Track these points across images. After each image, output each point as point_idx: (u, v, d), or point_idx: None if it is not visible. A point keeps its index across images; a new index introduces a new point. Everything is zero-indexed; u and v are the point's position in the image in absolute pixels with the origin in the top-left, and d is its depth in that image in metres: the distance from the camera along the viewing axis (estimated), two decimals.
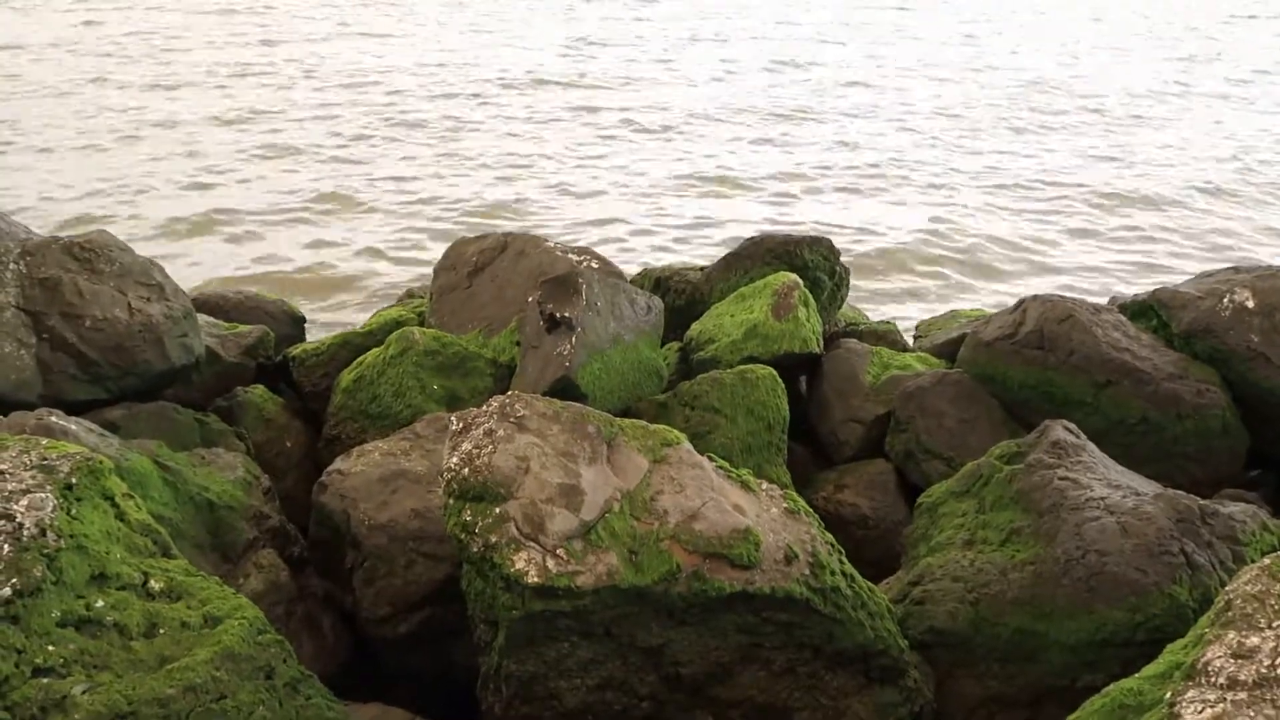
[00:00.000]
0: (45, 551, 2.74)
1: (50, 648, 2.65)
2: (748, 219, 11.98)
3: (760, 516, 3.36)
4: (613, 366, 4.86)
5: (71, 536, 2.82)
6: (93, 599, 2.79)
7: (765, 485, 3.60)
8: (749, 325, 5.33)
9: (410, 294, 7.07)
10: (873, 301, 9.66)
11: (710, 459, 3.54)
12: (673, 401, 4.92)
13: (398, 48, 21.89)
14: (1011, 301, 5.58)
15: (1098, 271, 11.05)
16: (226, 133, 14.97)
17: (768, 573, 3.20)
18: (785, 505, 3.52)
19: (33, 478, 2.89)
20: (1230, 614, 2.57)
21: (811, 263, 5.93)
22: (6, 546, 2.69)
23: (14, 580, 2.64)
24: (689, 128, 16.17)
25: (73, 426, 3.79)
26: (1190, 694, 2.41)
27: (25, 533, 2.73)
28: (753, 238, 6.20)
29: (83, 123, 15.15)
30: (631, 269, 6.77)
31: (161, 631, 2.85)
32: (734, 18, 28.21)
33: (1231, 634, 2.50)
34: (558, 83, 18.90)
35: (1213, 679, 2.41)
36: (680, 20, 26.99)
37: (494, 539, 3.02)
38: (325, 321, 8.70)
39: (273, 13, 25.58)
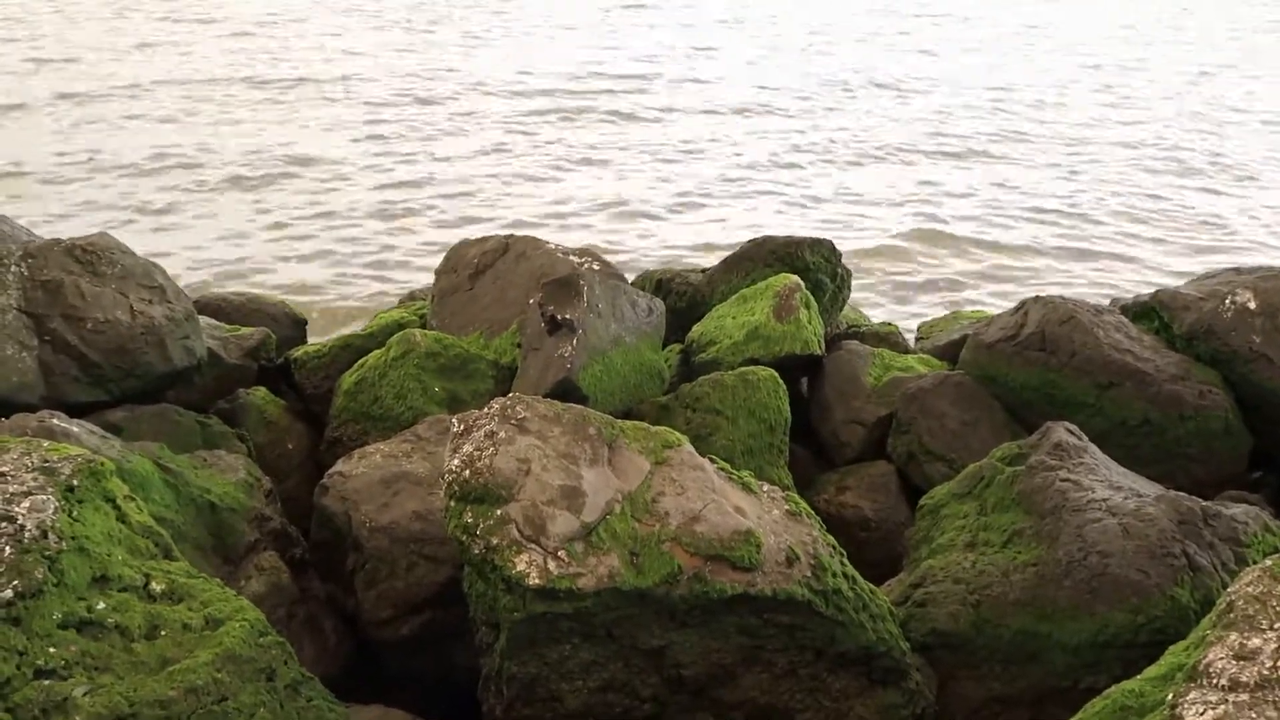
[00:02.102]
0: (47, 553, 2.74)
1: (51, 649, 2.65)
2: None
3: (762, 518, 3.36)
4: (614, 368, 4.86)
5: (73, 538, 2.82)
6: (94, 601, 2.79)
7: (766, 487, 3.60)
8: (750, 327, 5.33)
9: (412, 296, 7.07)
10: None
11: (711, 461, 3.54)
12: (674, 403, 4.92)
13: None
14: None
15: None
16: None
17: (769, 575, 3.20)
18: (787, 507, 3.52)
19: (34, 480, 2.89)
20: (1232, 615, 2.57)
21: (813, 264, 5.93)
22: (8, 548, 2.69)
23: (15, 582, 2.65)
24: None
25: (74, 428, 3.79)
26: (1192, 695, 2.41)
27: (27, 535, 2.73)
28: (754, 239, 6.20)
29: None
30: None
31: (163, 633, 2.85)
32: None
33: (1233, 635, 2.50)
34: None
35: (1214, 680, 2.41)
36: None
37: (495, 541, 3.02)
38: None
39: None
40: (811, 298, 5.56)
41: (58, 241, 4.76)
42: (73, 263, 4.65)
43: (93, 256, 4.70)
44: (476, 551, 3.04)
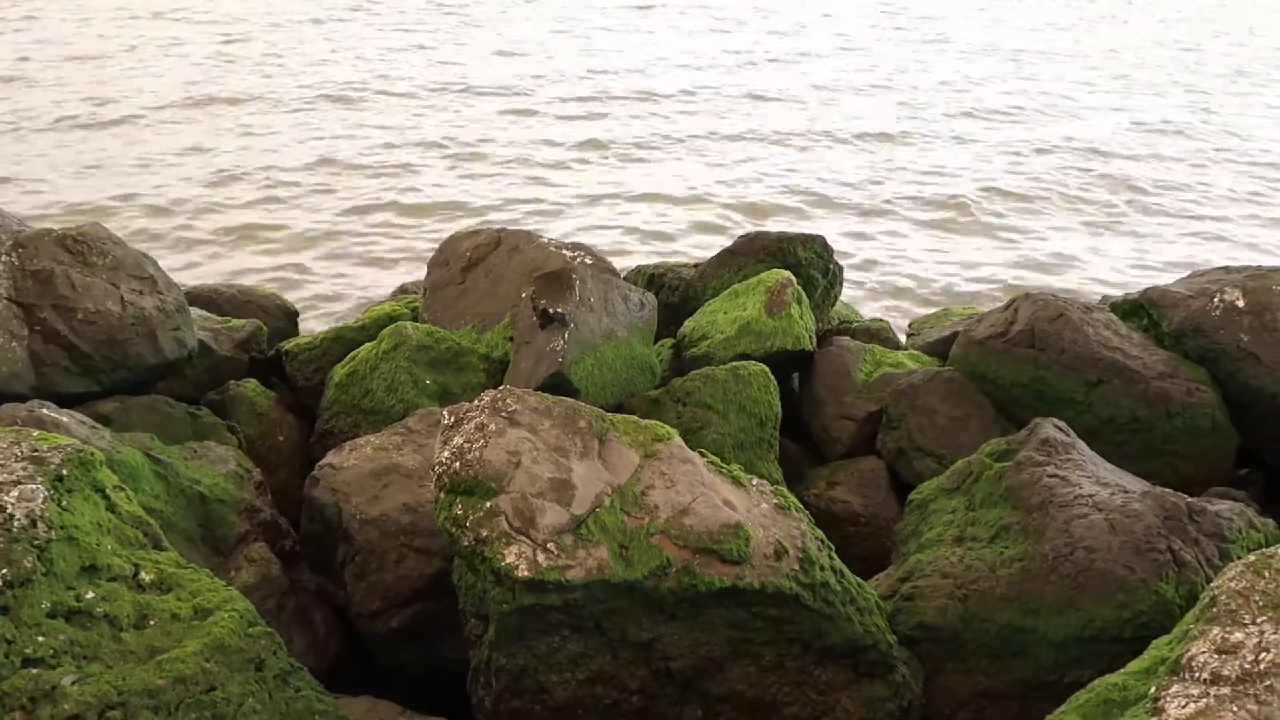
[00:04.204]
0: (36, 543, 2.74)
1: (40, 638, 2.65)
2: None
3: (751, 512, 3.37)
4: (605, 362, 4.87)
5: (62, 528, 2.82)
6: (83, 590, 2.80)
7: (756, 481, 3.61)
8: (742, 322, 5.34)
9: (404, 289, 7.07)
10: None
11: (702, 455, 3.55)
12: (665, 397, 4.93)
13: None
14: None
15: None
16: None
17: (757, 568, 3.21)
18: (776, 501, 3.53)
19: (24, 469, 2.89)
20: (1215, 610, 2.59)
21: (805, 260, 5.94)
22: None
23: (4, 571, 2.65)
24: None
25: (64, 419, 3.79)
26: (1174, 689, 2.43)
27: (16, 524, 2.73)
28: (746, 234, 6.21)
29: None
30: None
31: (152, 623, 2.85)
32: None
33: (1216, 630, 2.52)
34: None
35: (1197, 674, 2.43)
36: None
37: (485, 533, 3.03)
38: None
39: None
40: (803, 293, 5.57)
41: (49, 231, 4.75)
42: (63, 253, 4.64)
43: (84, 247, 4.70)
44: (466, 543, 3.04)
